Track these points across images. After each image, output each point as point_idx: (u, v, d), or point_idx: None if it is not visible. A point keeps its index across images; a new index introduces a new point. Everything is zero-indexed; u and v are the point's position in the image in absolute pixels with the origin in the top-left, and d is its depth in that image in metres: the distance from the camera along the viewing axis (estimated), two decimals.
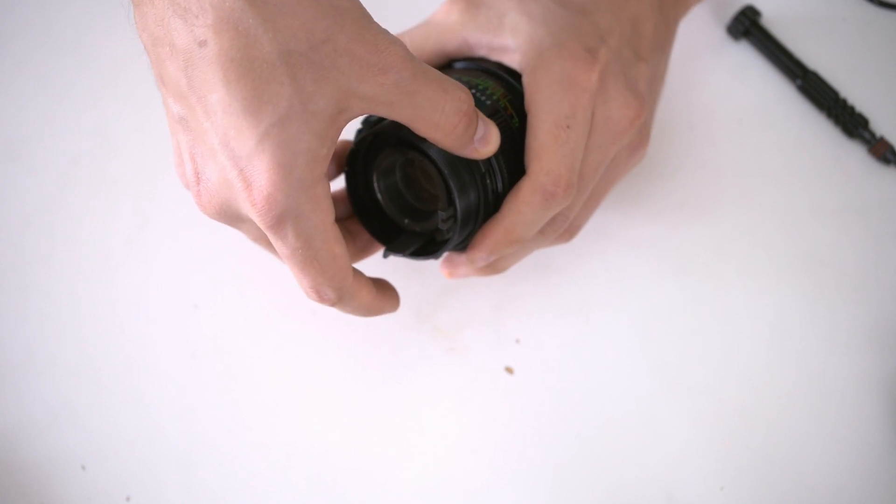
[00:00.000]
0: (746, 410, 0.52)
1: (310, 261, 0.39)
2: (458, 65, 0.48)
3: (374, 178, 0.47)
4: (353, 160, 0.46)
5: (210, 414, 0.53)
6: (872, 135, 0.57)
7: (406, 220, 0.47)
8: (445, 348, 0.54)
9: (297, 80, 0.34)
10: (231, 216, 0.39)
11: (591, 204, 0.49)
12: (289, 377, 0.54)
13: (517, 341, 0.54)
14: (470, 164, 0.42)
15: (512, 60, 0.46)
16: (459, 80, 0.45)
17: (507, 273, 0.55)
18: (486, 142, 0.41)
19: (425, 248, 0.46)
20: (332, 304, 0.42)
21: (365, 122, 0.47)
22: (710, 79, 0.59)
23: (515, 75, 0.46)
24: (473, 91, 0.44)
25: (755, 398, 0.52)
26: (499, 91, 0.45)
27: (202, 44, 0.34)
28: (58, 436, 0.53)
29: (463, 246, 0.46)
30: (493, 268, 0.48)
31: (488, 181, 0.44)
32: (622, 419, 0.52)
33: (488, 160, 0.43)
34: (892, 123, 0.58)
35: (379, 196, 0.47)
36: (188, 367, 0.54)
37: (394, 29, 0.48)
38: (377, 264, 0.56)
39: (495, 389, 0.53)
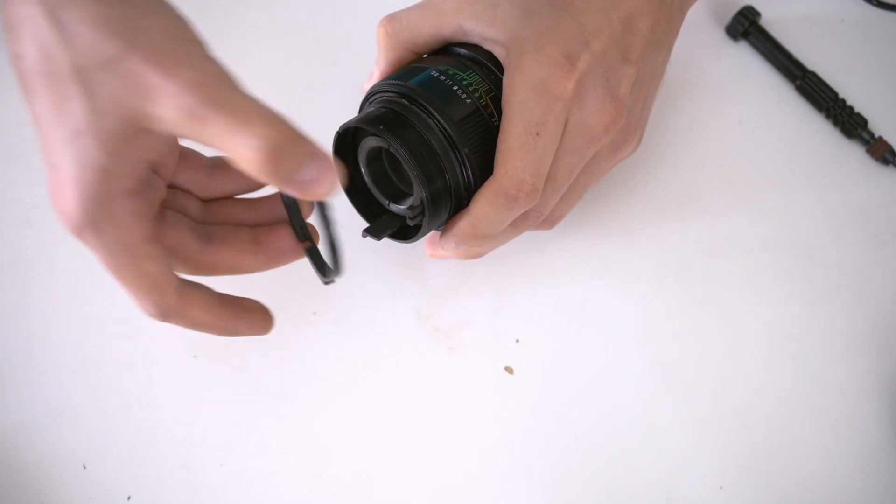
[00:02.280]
0: (746, 410, 0.52)
1: (119, 275, 0.39)
2: (456, 50, 0.48)
3: (362, 162, 0.48)
4: (342, 142, 0.48)
5: (211, 414, 0.53)
6: (871, 135, 0.57)
7: (389, 203, 0.49)
8: (445, 348, 0.54)
9: (90, 96, 0.35)
10: None
11: (570, 198, 0.50)
12: (289, 377, 0.54)
13: (517, 341, 0.54)
14: (438, 157, 0.44)
15: (499, 54, 0.46)
16: (446, 70, 0.46)
17: (507, 273, 0.55)
18: (318, 184, 0.36)
19: (402, 231, 0.49)
20: (158, 319, 0.41)
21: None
22: (710, 79, 0.60)
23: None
24: (455, 87, 0.45)
25: (755, 398, 0.52)
26: (483, 87, 0.46)
27: (18, 56, 0.36)
28: (58, 435, 0.53)
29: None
30: (469, 253, 0.49)
31: (460, 174, 0.45)
32: (622, 419, 0.52)
33: (459, 156, 0.45)
34: (891, 124, 0.58)
35: (366, 178, 0.49)
36: (189, 366, 0.54)
37: (395, 6, 0.48)
38: (374, 259, 0.56)
39: (495, 389, 0.53)
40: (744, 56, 0.60)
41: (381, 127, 0.44)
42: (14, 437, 0.53)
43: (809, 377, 0.53)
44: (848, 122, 0.57)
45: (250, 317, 0.45)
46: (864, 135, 0.57)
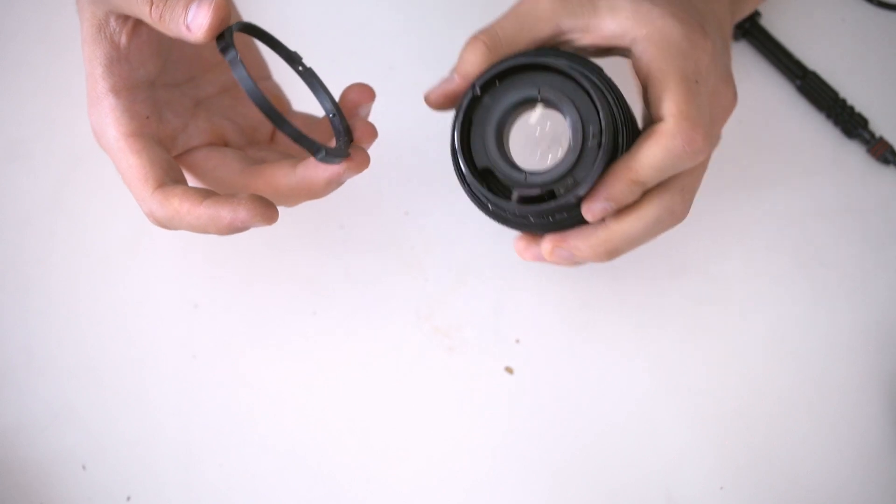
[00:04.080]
0: (746, 410, 0.52)
1: (116, 167, 0.44)
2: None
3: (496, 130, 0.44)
4: (470, 113, 0.44)
5: (210, 414, 0.53)
6: (872, 135, 0.57)
7: (526, 176, 0.43)
8: (445, 348, 0.54)
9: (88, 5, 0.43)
10: None
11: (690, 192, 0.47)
12: (289, 377, 0.54)
13: (517, 341, 0.54)
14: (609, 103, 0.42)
15: (615, 35, 0.44)
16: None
17: (507, 273, 0.55)
18: (195, 22, 0.39)
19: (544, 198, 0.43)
20: (150, 218, 0.44)
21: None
22: None
23: (603, 80, 0.44)
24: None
25: (755, 398, 0.52)
26: (601, 118, 0.42)
27: None
28: (58, 435, 0.53)
29: (542, 230, 0.45)
30: (567, 257, 0.45)
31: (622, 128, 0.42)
32: (622, 419, 0.52)
33: (623, 116, 0.42)
34: (892, 123, 0.58)
35: (505, 146, 0.44)
36: (188, 366, 0.54)
37: (482, 20, 0.46)
38: (375, 259, 0.56)
39: (495, 389, 0.53)
40: (744, 56, 0.60)
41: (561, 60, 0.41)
42: (14, 437, 0.53)
43: (809, 377, 0.53)
44: (849, 121, 0.57)
45: (234, 205, 0.42)
46: (865, 135, 0.57)
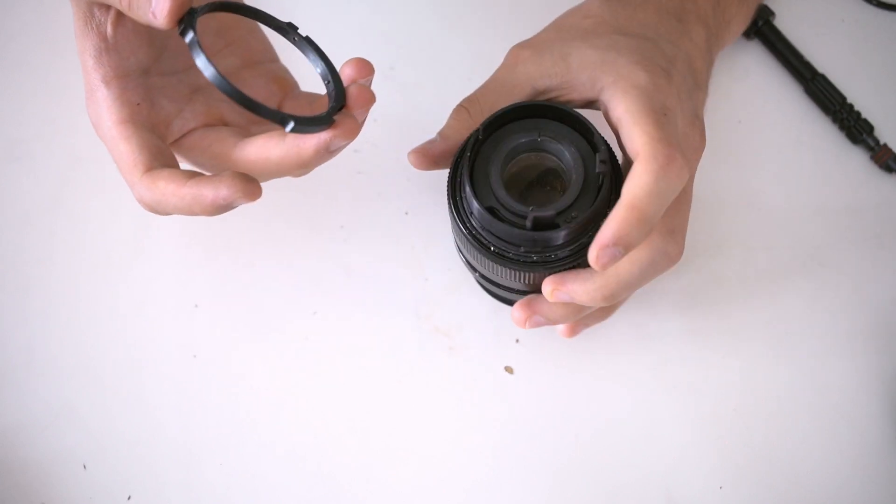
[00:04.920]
0: (746, 410, 0.52)
1: (114, 160, 0.44)
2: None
3: (501, 170, 0.45)
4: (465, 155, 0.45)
5: (211, 413, 0.53)
6: (877, 141, 0.57)
7: (531, 209, 0.44)
8: (445, 348, 0.54)
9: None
10: None
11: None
12: (289, 377, 0.54)
13: (517, 341, 0.54)
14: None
15: (586, 89, 0.47)
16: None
17: None
18: (157, 8, 0.40)
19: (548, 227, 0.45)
20: (140, 202, 0.44)
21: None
22: (719, 77, 0.59)
23: (583, 126, 0.45)
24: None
25: (754, 398, 0.52)
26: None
27: None
28: (59, 435, 0.53)
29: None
30: (567, 300, 0.46)
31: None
32: (622, 419, 0.52)
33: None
34: None
35: (501, 185, 0.45)
36: (189, 366, 0.54)
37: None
38: (374, 259, 0.56)
39: (495, 389, 0.53)
40: (754, 55, 0.60)
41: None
42: (14, 437, 0.53)
43: (809, 377, 0.53)
44: (854, 126, 0.57)
45: (216, 183, 0.42)
46: (870, 141, 0.57)
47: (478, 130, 0.45)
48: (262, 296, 0.56)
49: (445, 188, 0.47)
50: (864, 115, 0.57)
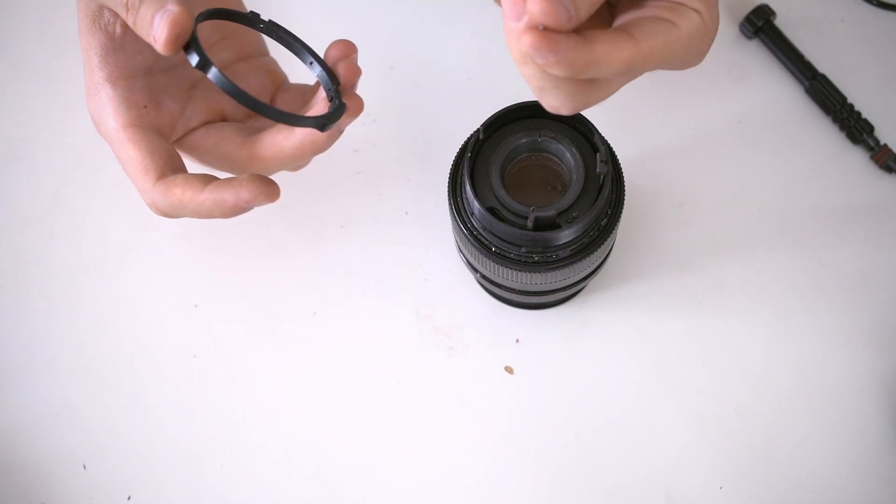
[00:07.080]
0: (746, 410, 0.52)
1: (117, 158, 0.44)
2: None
3: (501, 170, 0.46)
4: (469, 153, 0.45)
5: (211, 413, 0.53)
6: (877, 142, 0.57)
7: (533, 208, 0.44)
8: (445, 348, 0.54)
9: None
10: None
11: None
12: (289, 377, 0.54)
13: (517, 341, 0.54)
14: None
15: None
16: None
17: None
18: (157, 34, 0.39)
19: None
20: (152, 209, 0.44)
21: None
22: (718, 77, 0.59)
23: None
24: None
25: (754, 398, 0.52)
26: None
27: None
28: (59, 435, 0.53)
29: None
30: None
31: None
32: (622, 419, 0.52)
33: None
34: None
35: (503, 185, 0.46)
36: (189, 366, 0.54)
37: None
38: (374, 259, 0.56)
39: (495, 389, 0.53)
40: (755, 55, 0.60)
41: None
42: (14, 437, 0.53)
43: (809, 377, 0.53)
44: (854, 127, 0.57)
45: (237, 187, 0.42)
46: (870, 141, 0.57)
47: (478, 130, 0.45)
48: (262, 296, 0.56)
49: (445, 188, 0.47)
50: (865, 115, 0.57)
